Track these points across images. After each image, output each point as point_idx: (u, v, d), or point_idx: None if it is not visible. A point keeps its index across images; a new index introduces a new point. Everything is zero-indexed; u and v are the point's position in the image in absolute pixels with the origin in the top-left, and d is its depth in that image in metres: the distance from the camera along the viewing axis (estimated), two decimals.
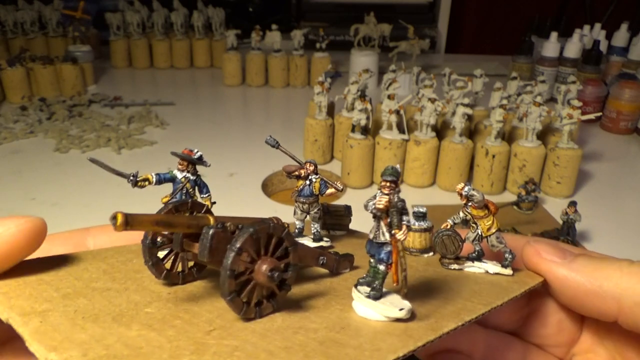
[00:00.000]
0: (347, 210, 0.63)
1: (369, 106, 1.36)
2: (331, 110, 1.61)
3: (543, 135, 1.46)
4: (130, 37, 2.40)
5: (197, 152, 0.49)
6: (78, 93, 2.02)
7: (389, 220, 0.38)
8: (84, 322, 0.33)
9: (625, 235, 1.25)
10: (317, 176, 0.54)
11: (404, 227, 0.37)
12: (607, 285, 0.41)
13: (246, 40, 2.38)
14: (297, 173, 0.54)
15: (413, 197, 1.37)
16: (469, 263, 0.51)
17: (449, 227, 0.51)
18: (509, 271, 0.49)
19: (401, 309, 0.36)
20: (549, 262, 0.45)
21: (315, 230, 0.55)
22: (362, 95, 1.41)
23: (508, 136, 1.52)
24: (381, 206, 0.37)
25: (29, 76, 1.96)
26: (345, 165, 1.41)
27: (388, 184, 0.38)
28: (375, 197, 0.38)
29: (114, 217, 0.33)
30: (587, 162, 1.59)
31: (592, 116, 1.41)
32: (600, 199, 1.41)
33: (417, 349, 0.33)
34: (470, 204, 0.49)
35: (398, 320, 0.36)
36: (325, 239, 0.56)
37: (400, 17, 2.46)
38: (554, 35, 2.09)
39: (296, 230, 0.56)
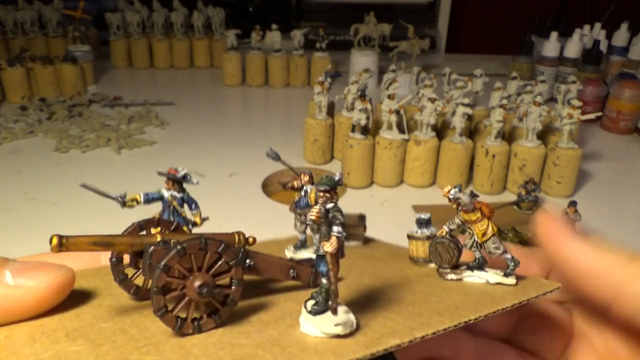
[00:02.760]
0: (360, 219, 0.59)
1: (369, 106, 1.36)
2: (331, 110, 1.61)
3: (543, 135, 1.46)
4: (130, 37, 2.40)
5: (182, 170, 0.50)
6: (78, 93, 2.02)
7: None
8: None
9: (625, 235, 1.25)
10: (313, 186, 0.53)
11: (333, 238, 0.36)
12: (602, 265, 0.41)
13: (246, 40, 2.38)
14: (290, 185, 0.53)
15: (413, 197, 1.37)
16: (468, 272, 0.47)
17: (444, 234, 0.48)
18: (511, 280, 0.45)
19: (337, 325, 0.35)
20: (563, 235, 0.44)
21: (316, 242, 0.54)
22: (362, 95, 1.41)
23: (508, 136, 1.52)
24: (313, 217, 0.36)
25: (29, 76, 1.95)
26: (345, 165, 1.41)
27: (322, 194, 0.37)
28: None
29: (50, 241, 0.35)
30: (587, 162, 1.59)
31: (592, 116, 1.41)
32: (600, 199, 1.41)
33: None
34: (460, 207, 0.46)
35: (339, 336, 0.35)
36: None
37: (400, 17, 2.46)
38: (554, 35, 2.09)
39: (298, 243, 0.54)
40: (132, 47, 2.41)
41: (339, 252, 0.37)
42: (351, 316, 0.36)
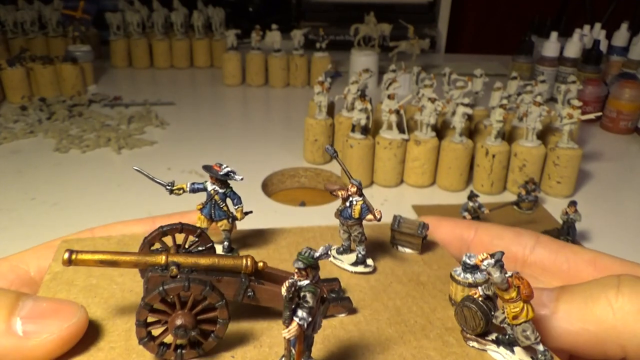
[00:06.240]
0: (420, 228, 0.54)
1: (369, 106, 1.36)
2: (331, 110, 1.61)
3: (543, 135, 1.46)
4: (130, 37, 2.40)
5: (225, 167, 0.51)
6: (78, 93, 2.02)
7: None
8: None
9: (625, 235, 1.25)
10: (360, 199, 0.51)
11: (293, 324, 0.32)
12: (602, 329, 0.38)
13: (246, 40, 2.38)
14: (336, 194, 0.52)
15: (413, 197, 1.37)
16: (494, 346, 0.41)
17: (477, 296, 0.42)
18: None
19: None
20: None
21: (357, 253, 0.52)
22: (362, 95, 1.41)
23: (508, 136, 1.52)
24: (283, 292, 0.33)
25: (29, 76, 1.95)
26: (345, 165, 1.41)
27: (296, 271, 0.33)
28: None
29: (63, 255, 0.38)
30: (587, 162, 1.59)
31: (592, 116, 1.41)
32: (600, 199, 1.41)
33: None
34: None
35: None
36: (368, 262, 0.52)
37: (400, 17, 2.45)
38: (554, 35, 2.09)
39: (341, 248, 0.54)
40: (132, 47, 2.41)
41: (307, 337, 0.35)
42: None
